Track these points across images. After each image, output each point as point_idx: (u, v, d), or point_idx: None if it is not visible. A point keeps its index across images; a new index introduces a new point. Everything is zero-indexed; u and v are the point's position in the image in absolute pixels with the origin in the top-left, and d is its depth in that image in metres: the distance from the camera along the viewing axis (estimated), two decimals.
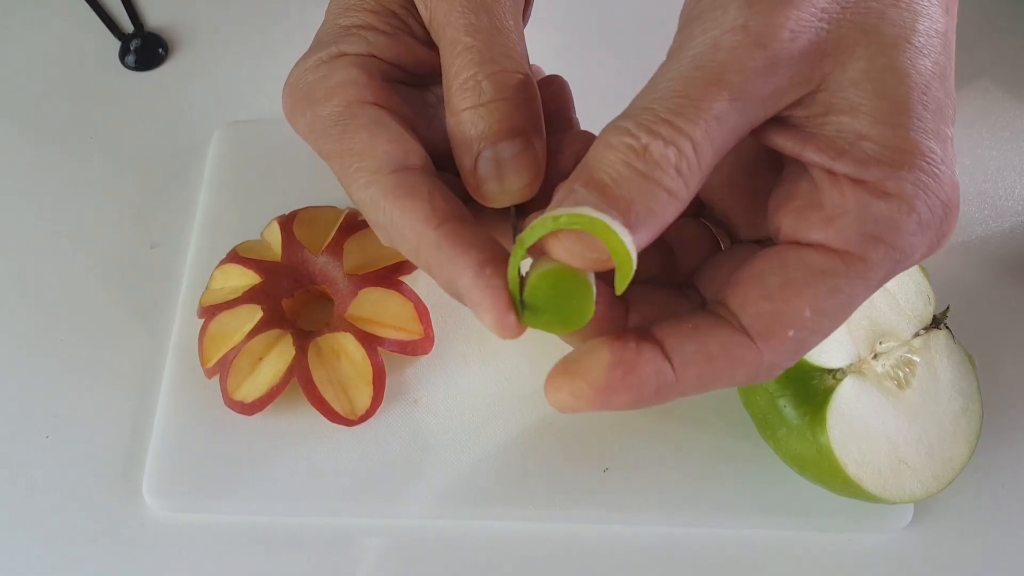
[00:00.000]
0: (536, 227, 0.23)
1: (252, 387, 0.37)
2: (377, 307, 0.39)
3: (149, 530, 0.37)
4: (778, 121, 0.24)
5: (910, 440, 0.34)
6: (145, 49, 0.50)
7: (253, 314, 0.39)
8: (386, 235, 0.27)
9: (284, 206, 0.42)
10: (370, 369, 0.38)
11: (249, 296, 0.39)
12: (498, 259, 0.25)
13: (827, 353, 0.34)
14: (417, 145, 0.27)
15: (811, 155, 0.24)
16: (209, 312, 0.39)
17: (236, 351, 0.38)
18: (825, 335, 0.24)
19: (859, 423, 0.33)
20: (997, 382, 0.41)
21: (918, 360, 0.35)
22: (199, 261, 0.43)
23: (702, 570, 0.37)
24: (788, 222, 0.25)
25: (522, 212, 0.28)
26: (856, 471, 0.33)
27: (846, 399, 0.33)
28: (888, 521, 0.37)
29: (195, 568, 0.36)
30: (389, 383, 0.39)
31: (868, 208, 0.23)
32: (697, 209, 0.30)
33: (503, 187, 0.27)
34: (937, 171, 0.23)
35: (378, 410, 0.38)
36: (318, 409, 0.37)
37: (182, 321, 0.41)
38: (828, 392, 0.33)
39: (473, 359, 0.40)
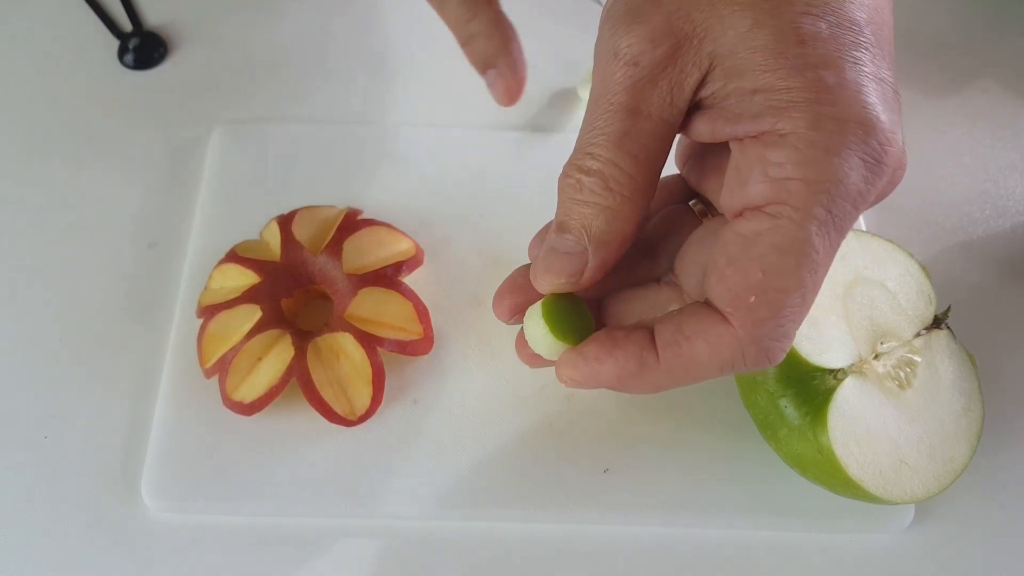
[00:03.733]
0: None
1: (251, 387, 0.37)
2: (376, 307, 0.39)
3: (148, 530, 0.37)
4: (697, 107, 0.26)
5: (911, 440, 0.34)
6: (144, 48, 0.50)
7: (252, 314, 0.39)
8: None
9: (283, 206, 0.42)
10: (369, 369, 0.38)
11: (248, 296, 0.39)
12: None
13: (828, 353, 0.34)
14: None
15: (721, 130, 0.25)
16: (208, 312, 0.39)
17: (235, 351, 0.38)
18: (793, 290, 0.25)
19: (860, 423, 0.33)
20: (998, 382, 0.41)
21: (919, 360, 0.35)
22: (198, 261, 0.42)
23: (702, 571, 0.37)
24: (724, 200, 0.26)
25: None
26: (857, 472, 0.33)
27: (847, 399, 0.33)
28: (889, 522, 0.37)
29: (194, 568, 0.36)
30: (389, 383, 0.39)
31: (768, 155, 0.24)
32: (687, 194, 0.32)
33: None
34: (831, 96, 0.24)
35: (377, 410, 0.38)
36: (317, 409, 0.37)
37: (181, 321, 0.41)
38: (829, 392, 0.33)
39: (473, 359, 0.40)
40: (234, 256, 0.41)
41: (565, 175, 0.27)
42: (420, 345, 0.39)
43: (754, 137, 0.24)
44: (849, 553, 0.37)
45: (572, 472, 0.38)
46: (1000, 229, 0.46)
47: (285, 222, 0.41)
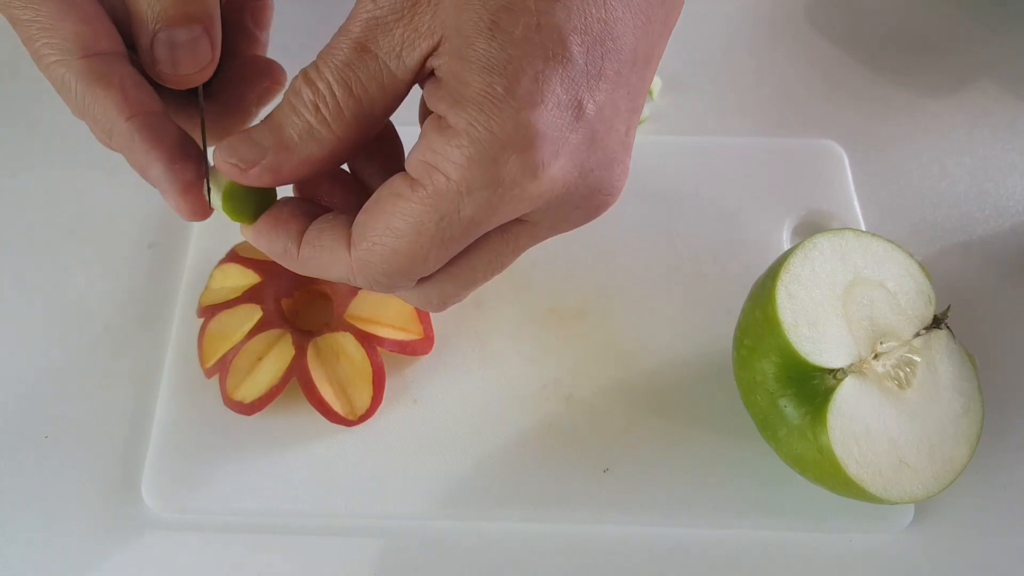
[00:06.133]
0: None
1: (251, 387, 0.37)
2: (376, 307, 0.39)
3: (148, 530, 0.37)
4: (431, 75, 0.26)
5: (911, 440, 0.34)
6: None
7: (252, 314, 0.39)
8: (77, 113, 0.30)
9: None
10: (370, 369, 0.38)
11: (249, 296, 0.39)
12: (187, 154, 0.29)
13: (827, 353, 0.34)
14: (110, 26, 0.29)
15: (429, 100, 0.26)
16: (208, 312, 0.39)
17: (235, 351, 0.38)
18: (402, 255, 0.27)
19: (860, 423, 0.33)
20: (998, 382, 0.41)
21: (919, 360, 0.35)
22: (198, 261, 0.42)
23: (702, 570, 0.37)
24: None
25: (209, 91, 0.31)
26: (857, 471, 0.33)
27: (847, 399, 0.33)
28: (889, 522, 0.37)
29: (194, 569, 0.36)
30: (389, 383, 0.39)
31: (428, 138, 0.25)
32: None
33: (176, 71, 0.29)
34: (496, 107, 0.24)
35: (378, 410, 0.38)
36: (318, 409, 0.37)
37: (181, 321, 0.41)
38: (829, 392, 0.33)
39: (473, 359, 0.40)
40: (235, 256, 0.41)
41: (298, 77, 0.27)
42: (420, 345, 0.39)
43: (435, 117, 0.25)
44: (849, 553, 0.37)
45: (572, 472, 0.38)
46: (1000, 229, 0.46)
47: None
